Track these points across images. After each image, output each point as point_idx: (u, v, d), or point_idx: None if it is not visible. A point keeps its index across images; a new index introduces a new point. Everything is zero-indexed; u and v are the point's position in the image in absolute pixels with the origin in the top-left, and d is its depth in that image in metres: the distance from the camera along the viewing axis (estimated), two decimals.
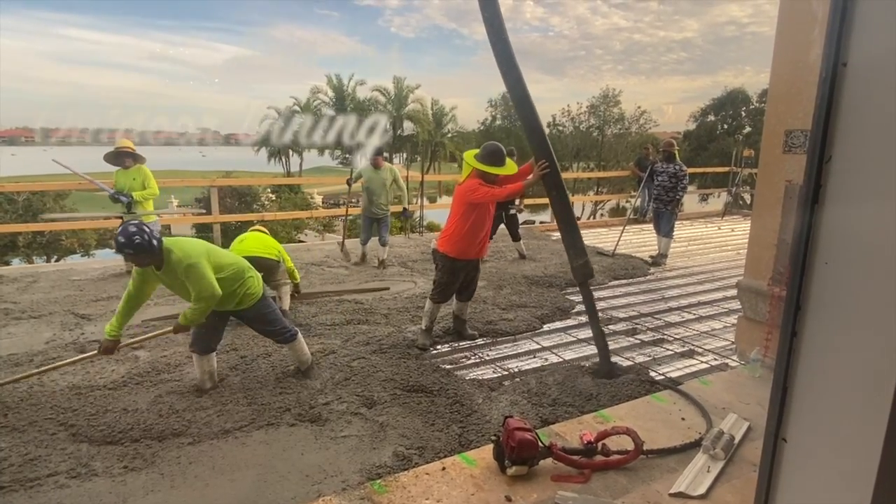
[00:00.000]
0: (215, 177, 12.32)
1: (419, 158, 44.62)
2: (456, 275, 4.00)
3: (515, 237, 7.12)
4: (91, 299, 5.26)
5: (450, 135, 45.20)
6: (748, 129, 31.41)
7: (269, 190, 23.16)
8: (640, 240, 8.53)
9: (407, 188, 7.15)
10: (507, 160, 3.89)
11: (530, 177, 3.76)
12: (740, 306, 3.90)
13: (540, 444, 2.37)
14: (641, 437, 2.41)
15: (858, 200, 0.92)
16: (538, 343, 4.35)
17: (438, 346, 4.19)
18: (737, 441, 2.55)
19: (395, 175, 6.64)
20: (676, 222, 7.26)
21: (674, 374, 3.75)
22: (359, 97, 43.37)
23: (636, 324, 4.79)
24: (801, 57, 3.11)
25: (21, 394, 3.30)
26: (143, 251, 2.89)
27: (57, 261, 15.54)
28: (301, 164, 51.36)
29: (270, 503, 2.38)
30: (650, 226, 8.00)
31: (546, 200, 11.72)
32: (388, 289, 5.71)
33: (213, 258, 3.14)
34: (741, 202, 11.94)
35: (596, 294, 5.63)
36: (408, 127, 44.19)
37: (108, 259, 6.18)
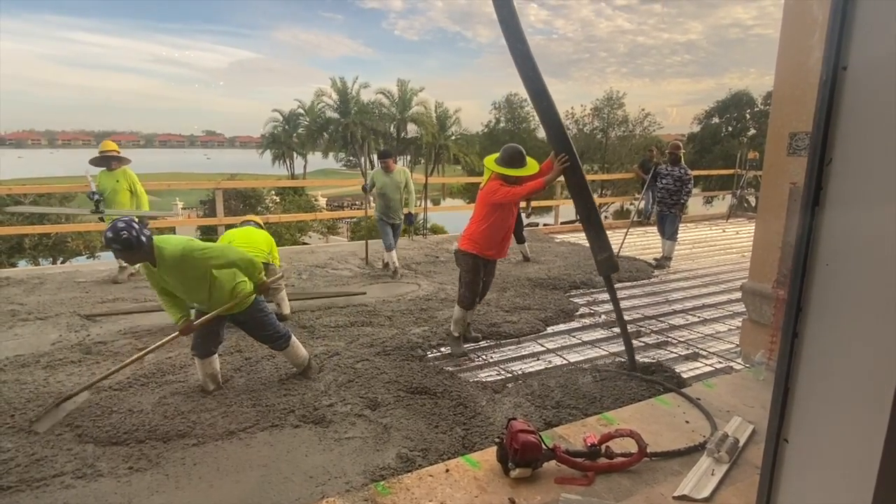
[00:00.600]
0: (220, 179, 12.36)
1: (423, 161, 44.69)
2: (479, 272, 3.98)
3: (520, 239, 7.12)
4: (97, 301, 5.29)
5: (454, 137, 45.20)
6: (753, 131, 31.30)
7: (273, 192, 23.24)
8: (644, 242, 8.52)
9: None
10: (529, 160, 3.85)
11: (550, 174, 3.76)
12: (745, 309, 3.89)
13: (543, 446, 2.37)
14: (645, 439, 2.40)
15: (859, 203, 0.92)
16: (542, 345, 4.35)
17: (442, 349, 4.19)
18: (741, 444, 2.54)
19: (408, 177, 6.43)
20: (680, 225, 7.24)
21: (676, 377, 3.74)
22: (363, 100, 43.46)
23: (640, 326, 4.78)
24: (806, 59, 3.11)
25: (27, 394, 3.33)
26: (131, 247, 2.88)
27: (63, 263, 15.63)
28: (305, 167, 51.54)
29: None
30: (654, 228, 7.99)
31: (550, 203, 11.70)
32: (364, 293, 5.61)
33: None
34: (746, 205, 11.91)
35: (601, 297, 5.66)
36: (412, 129, 44.26)
37: (113, 262, 6.20)
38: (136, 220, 2.98)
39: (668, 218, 6.94)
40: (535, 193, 3.87)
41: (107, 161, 5.89)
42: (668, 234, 6.99)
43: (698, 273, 6.81)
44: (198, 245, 3.07)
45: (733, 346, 4.30)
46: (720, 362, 4.03)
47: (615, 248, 7.52)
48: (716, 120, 33.70)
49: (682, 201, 6.87)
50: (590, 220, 3.67)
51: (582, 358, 4.09)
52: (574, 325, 4.86)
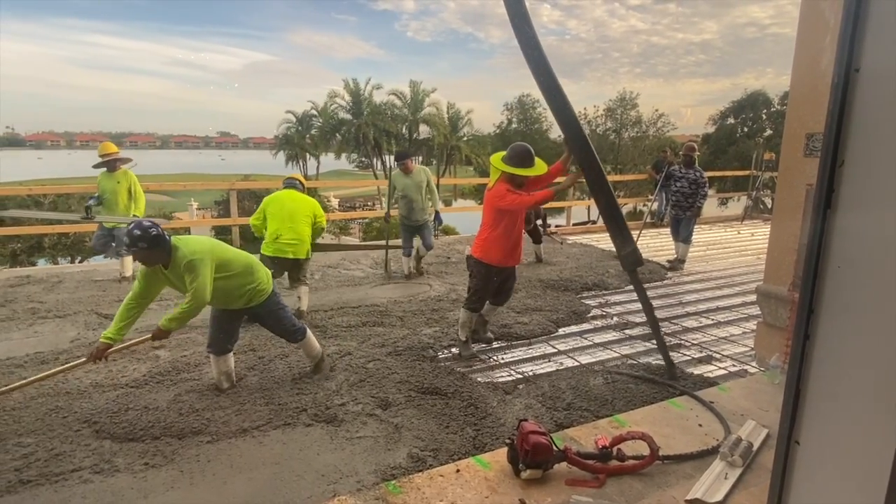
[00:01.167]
0: (234, 180, 12.49)
1: (434, 162, 44.73)
2: (490, 281, 3.93)
3: (537, 239, 7.10)
4: (114, 300, 5.38)
5: (465, 138, 45.21)
6: (769, 132, 30.90)
7: None
8: (657, 244, 8.45)
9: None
10: (537, 160, 3.76)
11: (562, 181, 3.71)
12: (760, 312, 3.85)
13: (554, 447, 2.36)
14: (657, 442, 2.39)
15: (871, 204, 0.91)
16: (553, 347, 4.34)
17: (452, 350, 4.20)
18: (755, 448, 2.52)
19: (429, 175, 6.18)
20: (695, 227, 7.18)
21: (691, 380, 3.71)
22: (375, 101, 43.62)
23: None
24: (823, 59, 3.07)
25: (47, 390, 3.40)
26: (159, 245, 2.91)
27: (81, 262, 15.89)
28: (318, 168, 51.85)
29: (287, 502, 2.41)
30: (667, 230, 7.92)
31: (562, 204, 11.64)
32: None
33: (218, 255, 3.14)
34: (761, 206, 11.75)
35: (612, 298, 5.64)
36: (424, 130, 44.32)
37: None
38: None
39: (682, 221, 6.88)
40: (542, 203, 3.80)
41: (110, 163, 5.94)
42: (683, 237, 6.93)
43: (712, 275, 6.74)
44: (219, 256, 3.11)
45: (748, 349, 4.26)
46: (734, 365, 3.99)
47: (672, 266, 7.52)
48: (731, 120, 33.34)
49: (699, 204, 6.80)
50: (612, 214, 3.60)
51: (593, 360, 4.08)
52: (586, 326, 4.84)
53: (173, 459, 2.72)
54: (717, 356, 4.18)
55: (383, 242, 6.39)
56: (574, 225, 11.03)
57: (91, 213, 6.01)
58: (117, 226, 5.93)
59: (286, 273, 4.83)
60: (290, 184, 4.88)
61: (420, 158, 44.79)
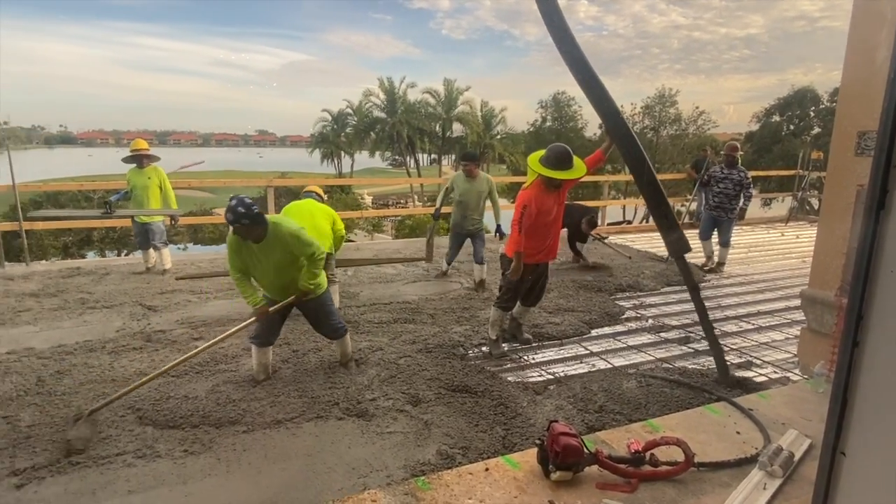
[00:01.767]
0: (272, 177, 12.79)
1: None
2: (522, 279, 3.90)
3: (580, 239, 6.99)
4: (157, 292, 5.58)
5: (499, 136, 45.01)
6: (817, 130, 29.62)
7: (321, 190, 23.81)
8: (696, 245, 8.22)
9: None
10: (576, 160, 3.69)
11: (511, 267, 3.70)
12: (804, 317, 3.70)
13: (585, 450, 2.33)
14: (693, 449, 2.33)
15: None
16: (585, 348, 4.28)
17: (483, 348, 4.19)
18: (797, 458, 2.43)
19: (492, 186, 5.73)
20: (736, 228, 6.95)
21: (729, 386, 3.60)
22: (409, 99, 43.87)
23: (690, 332, 4.63)
24: (877, 53, 2.93)
25: (95, 377, 3.56)
26: (258, 221, 3.13)
27: (127, 255, 16.55)
28: (352, 166, 52.51)
29: (318, 493, 2.46)
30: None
31: (597, 203, 11.50)
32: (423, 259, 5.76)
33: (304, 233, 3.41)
34: (808, 207, 11.30)
35: (648, 300, 5.53)
36: (457, 129, 44.33)
37: (174, 255, 6.52)
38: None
39: (724, 224, 6.63)
40: (516, 245, 3.70)
41: (138, 158, 6.13)
42: (724, 240, 6.70)
43: (753, 278, 6.52)
44: (307, 237, 3.35)
45: (790, 355, 4.11)
46: (776, 372, 3.86)
47: (665, 252, 7.33)
48: (776, 118, 32.09)
49: (744, 206, 6.56)
50: (656, 200, 3.51)
51: (627, 362, 4.00)
52: (619, 328, 4.76)
53: (211, 447, 2.81)
54: (758, 362, 4.04)
55: (403, 256, 6.33)
56: (609, 225, 10.84)
57: (112, 209, 6.22)
58: (152, 220, 6.15)
59: None
60: (308, 195, 4.93)
61: (453, 157, 44.79)
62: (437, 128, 44.68)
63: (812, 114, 30.74)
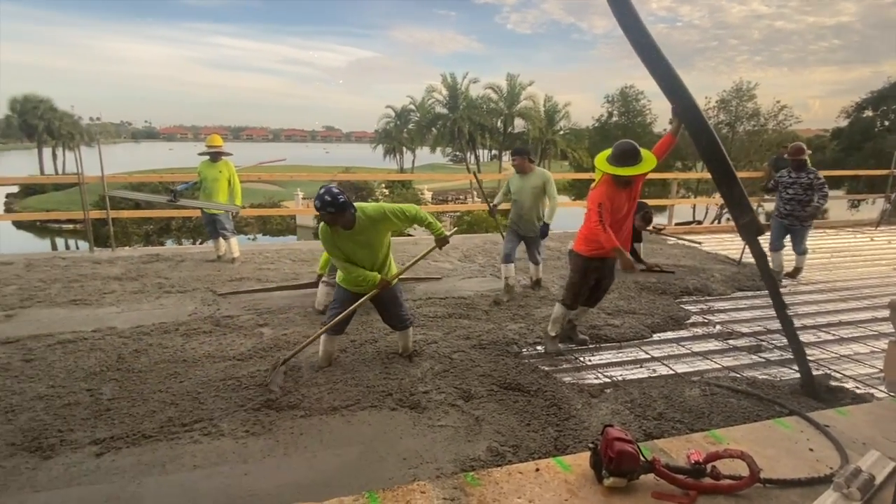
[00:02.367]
0: (336, 172, 13.17)
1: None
2: (587, 275, 3.87)
3: (637, 237, 6.76)
4: (226, 279, 5.89)
5: (562, 132, 44.15)
6: None
7: (383, 185, 24.27)
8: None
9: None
10: (644, 154, 3.59)
11: (620, 257, 3.61)
12: (893, 329, 3.39)
13: (641, 457, 2.25)
14: (759, 464, 2.19)
15: None
16: (646, 352, 4.12)
17: (538, 347, 4.13)
18: (878, 482, 2.23)
19: (547, 180, 5.22)
20: (817, 231, 6.42)
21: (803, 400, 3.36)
22: (471, 95, 43.84)
23: (761, 340, 4.36)
24: None
25: (168, 357, 3.80)
26: (345, 209, 3.24)
27: (201, 243, 17.58)
28: (414, 161, 53.18)
29: (370, 480, 2.51)
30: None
31: (665, 202, 11.01)
32: (439, 279, 5.69)
33: None
34: None
35: (717, 305, 5.26)
36: (519, 124, 43.88)
37: (243, 244, 6.86)
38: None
39: (797, 232, 6.09)
40: (606, 245, 3.59)
41: (212, 154, 6.52)
42: (799, 249, 6.16)
43: (836, 286, 6.05)
44: (393, 207, 3.49)
45: (875, 370, 3.78)
46: (858, 388, 3.56)
47: (738, 253, 6.94)
48: (868, 113, 29.54)
49: (817, 207, 5.99)
50: (727, 181, 3.34)
51: (690, 369, 3.82)
52: (684, 333, 4.55)
53: (271, 430, 2.93)
54: (838, 376, 3.75)
55: (437, 277, 6.08)
56: (677, 225, 10.38)
57: (177, 198, 6.60)
58: (217, 212, 6.50)
59: None
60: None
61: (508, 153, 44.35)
62: (499, 123, 44.43)
63: None
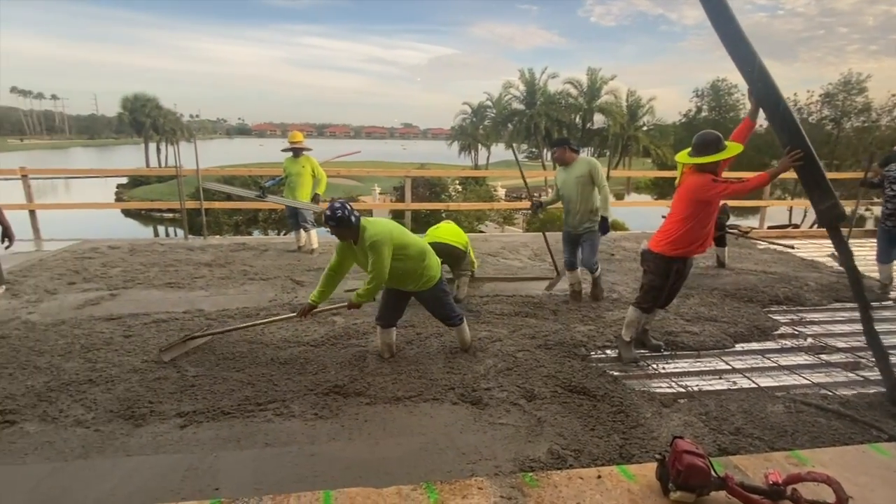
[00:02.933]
0: (410, 168, 13.41)
1: (608, 153, 42.65)
2: (668, 276, 3.69)
3: (720, 241, 6.36)
4: (306, 269, 6.18)
5: (645, 128, 42.32)
6: None
7: (456, 181, 24.41)
8: (873, 256, 6.98)
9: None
10: (729, 144, 3.43)
11: (777, 165, 3.31)
12: None
13: (713, 473, 2.12)
14: (848, 491, 1.99)
15: None
16: (727, 363, 3.87)
17: (607, 351, 4.00)
18: None
19: (593, 168, 4.74)
20: None
21: None
22: (549, 90, 43.02)
23: (860, 357, 3.96)
24: None
25: (250, 338, 4.05)
26: (343, 224, 3.33)
27: (284, 234, 18.56)
28: (488, 158, 53.07)
29: (429, 472, 2.54)
30: None
31: (757, 203, 10.26)
32: (556, 278, 5.55)
33: (396, 237, 3.47)
34: None
35: (810, 316, 4.84)
36: (598, 120, 42.55)
37: (322, 236, 7.17)
38: (349, 203, 3.42)
39: None
40: (758, 188, 3.42)
41: (294, 149, 6.84)
42: None
43: None
44: (398, 240, 3.44)
45: None
46: None
47: (833, 260, 6.33)
48: None
49: None
50: (806, 164, 3.13)
51: (775, 384, 3.54)
52: (770, 345, 4.22)
53: (337, 414, 3.05)
54: None
55: (531, 276, 5.95)
56: (769, 228, 9.64)
57: (265, 193, 6.97)
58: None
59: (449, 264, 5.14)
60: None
61: (591, 149, 43.10)
62: (577, 119, 43.31)
63: None
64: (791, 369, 3.78)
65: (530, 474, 2.40)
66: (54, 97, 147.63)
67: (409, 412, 3.09)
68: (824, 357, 3.97)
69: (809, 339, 4.31)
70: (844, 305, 5.16)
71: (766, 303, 5.15)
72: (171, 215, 29.02)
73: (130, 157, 65.30)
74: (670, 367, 3.80)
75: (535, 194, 6.14)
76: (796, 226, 10.66)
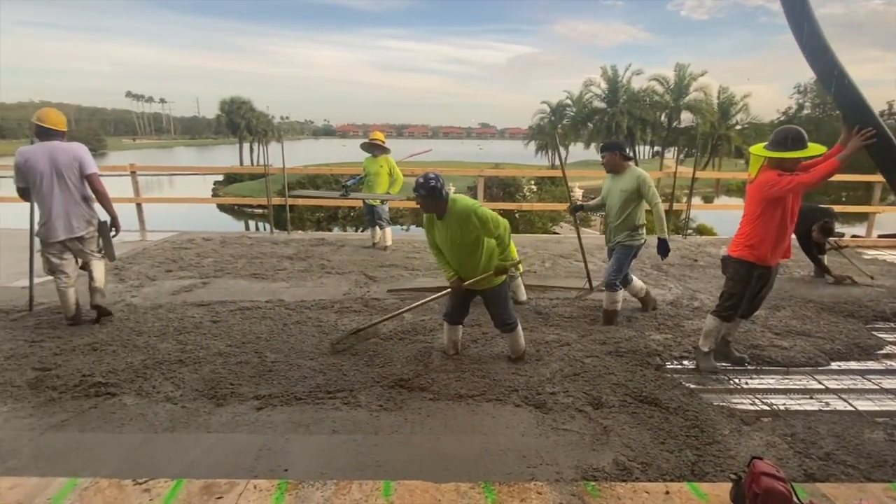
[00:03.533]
0: (485, 167, 13.40)
1: (696, 153, 40.37)
2: (749, 283, 3.46)
3: (819, 250, 5.83)
4: (378, 265, 6.36)
5: (738, 126, 39.61)
6: None
7: (532, 182, 24.07)
8: None
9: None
10: (812, 145, 3.19)
11: (847, 149, 3.00)
12: None
13: (795, 498, 1.95)
14: None
15: None
16: (819, 382, 3.54)
17: (684, 362, 3.79)
18: None
19: (643, 182, 4.19)
20: None
21: None
22: (633, 88, 41.35)
23: None
24: None
25: (325, 328, 4.23)
26: (434, 195, 3.33)
27: (361, 231, 19.21)
28: (566, 158, 51.87)
29: (488, 472, 2.53)
30: None
31: (864, 209, 9.38)
32: (587, 289, 5.33)
33: None
34: None
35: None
36: (686, 118, 40.35)
37: (396, 234, 7.37)
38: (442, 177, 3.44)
39: None
40: (826, 178, 3.09)
41: (372, 149, 7.03)
42: None
43: None
44: (483, 211, 3.42)
45: None
46: None
47: None
48: None
49: None
50: (882, 142, 2.80)
51: (876, 408, 3.20)
52: (872, 365, 3.82)
53: (401, 408, 3.11)
54: None
55: (584, 287, 5.43)
56: (879, 237, 8.70)
57: (348, 193, 7.20)
58: (375, 202, 7.03)
59: None
60: None
61: (676, 150, 40.94)
62: (663, 117, 41.36)
63: None
64: (895, 393, 3.40)
65: (592, 483, 2.33)
66: (162, 100, 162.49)
67: (471, 411, 3.09)
68: None
69: None
70: None
71: (870, 319, 4.66)
72: (260, 211, 30.90)
73: (227, 156, 70.30)
74: (754, 382, 3.54)
75: (591, 196, 5.86)
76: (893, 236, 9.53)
